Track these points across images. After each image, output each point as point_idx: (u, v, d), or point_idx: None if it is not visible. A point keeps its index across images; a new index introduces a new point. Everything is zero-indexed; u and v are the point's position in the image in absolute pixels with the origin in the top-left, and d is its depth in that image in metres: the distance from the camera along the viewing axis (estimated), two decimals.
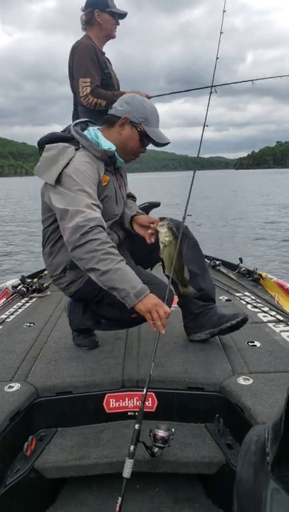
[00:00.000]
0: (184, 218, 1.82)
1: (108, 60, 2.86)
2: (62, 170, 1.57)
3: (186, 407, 1.62)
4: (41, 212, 1.77)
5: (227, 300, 2.63)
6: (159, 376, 1.64)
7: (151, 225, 1.77)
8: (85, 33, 2.76)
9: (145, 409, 1.59)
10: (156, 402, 1.62)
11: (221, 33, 2.13)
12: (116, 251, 1.51)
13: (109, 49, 2.96)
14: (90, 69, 2.60)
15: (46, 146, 1.64)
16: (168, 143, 1.78)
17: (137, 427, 1.28)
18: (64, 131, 1.75)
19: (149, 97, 2.70)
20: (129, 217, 1.90)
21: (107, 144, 1.69)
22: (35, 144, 1.72)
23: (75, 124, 1.72)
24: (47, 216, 1.73)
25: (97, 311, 1.86)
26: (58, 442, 1.53)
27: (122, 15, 2.76)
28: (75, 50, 2.66)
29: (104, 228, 1.53)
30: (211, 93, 1.82)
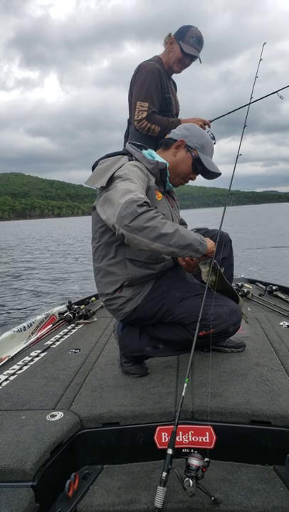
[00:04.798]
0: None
1: (174, 84, 2.77)
2: (114, 173, 1.54)
3: (250, 445, 1.39)
4: (92, 227, 1.71)
5: (288, 326, 2.38)
6: (217, 407, 1.44)
7: (192, 261, 1.67)
8: (162, 52, 2.64)
9: (202, 446, 1.39)
10: (214, 437, 1.40)
11: (256, 77, 2.24)
12: None
13: None
14: (151, 94, 2.51)
15: (101, 161, 1.65)
16: (219, 174, 1.78)
17: (170, 451, 1.16)
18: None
19: (210, 121, 2.61)
20: None
21: (160, 159, 1.71)
22: (91, 186, 1.69)
23: (130, 143, 1.74)
24: (99, 226, 1.66)
25: (154, 334, 1.71)
26: (103, 482, 1.35)
27: (189, 55, 2.53)
28: (139, 71, 2.55)
29: None
30: (237, 160, 1.89)
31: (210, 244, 1.54)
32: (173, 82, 2.76)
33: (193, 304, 1.57)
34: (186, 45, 2.51)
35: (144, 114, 2.49)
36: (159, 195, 1.68)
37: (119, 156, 1.64)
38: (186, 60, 2.57)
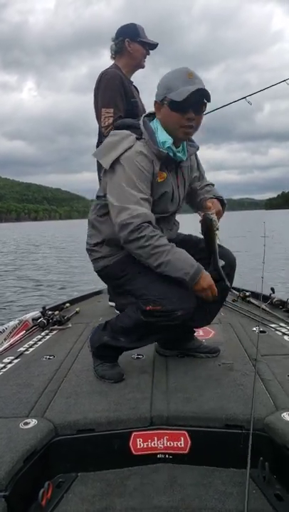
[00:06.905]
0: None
1: (136, 88, 2.85)
2: (118, 157, 1.59)
3: (224, 449, 1.40)
4: (99, 188, 1.79)
5: (261, 331, 2.43)
6: (192, 412, 1.45)
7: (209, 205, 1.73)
8: (113, 62, 2.76)
9: (177, 451, 1.40)
10: (189, 442, 1.41)
11: None
12: (164, 240, 1.57)
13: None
14: (115, 99, 2.57)
15: (111, 132, 1.71)
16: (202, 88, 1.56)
17: None
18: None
19: None
20: (205, 198, 1.85)
21: (162, 137, 1.64)
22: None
23: (147, 115, 1.73)
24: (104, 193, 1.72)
25: (115, 326, 1.77)
26: (78, 490, 1.33)
27: (153, 45, 2.77)
28: (101, 79, 2.64)
29: (151, 222, 1.57)
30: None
31: (204, 283, 1.57)
32: (134, 86, 2.85)
33: (151, 280, 1.62)
34: (145, 39, 2.70)
35: (111, 120, 2.53)
36: (162, 176, 1.66)
37: (128, 134, 1.64)
38: (148, 52, 2.77)
